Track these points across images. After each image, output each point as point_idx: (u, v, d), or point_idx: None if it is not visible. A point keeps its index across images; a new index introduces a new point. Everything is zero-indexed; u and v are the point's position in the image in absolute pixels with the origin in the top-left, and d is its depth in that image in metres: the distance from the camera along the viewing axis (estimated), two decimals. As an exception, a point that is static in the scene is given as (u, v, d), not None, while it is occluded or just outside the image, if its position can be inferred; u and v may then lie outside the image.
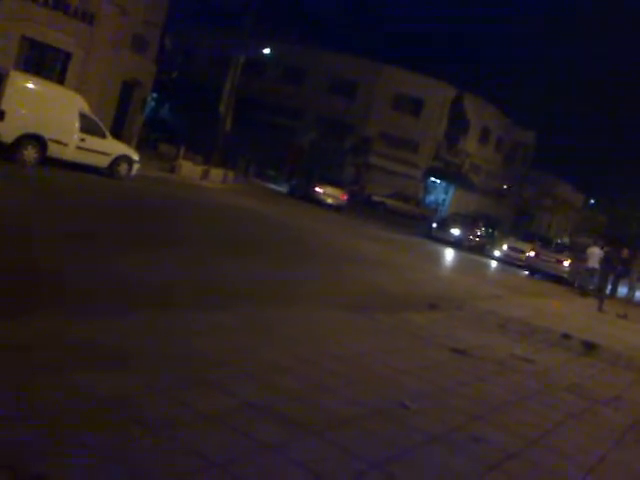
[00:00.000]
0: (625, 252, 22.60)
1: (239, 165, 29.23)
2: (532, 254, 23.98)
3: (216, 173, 24.19)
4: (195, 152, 25.34)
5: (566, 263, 23.13)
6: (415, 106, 47.45)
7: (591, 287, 20.77)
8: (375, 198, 41.65)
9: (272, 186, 32.66)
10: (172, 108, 44.14)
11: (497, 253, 26.14)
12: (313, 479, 3.23)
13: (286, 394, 4.29)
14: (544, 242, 26.54)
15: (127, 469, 2.89)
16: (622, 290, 22.26)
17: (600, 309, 15.59)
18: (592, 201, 71.53)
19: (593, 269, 20.77)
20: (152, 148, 27.98)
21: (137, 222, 11.06)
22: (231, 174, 25.68)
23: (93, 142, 14.50)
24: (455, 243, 26.63)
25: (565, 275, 22.84)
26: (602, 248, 22.00)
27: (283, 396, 4.24)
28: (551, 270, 23.12)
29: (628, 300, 21.66)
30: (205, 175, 23.28)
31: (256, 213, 18.32)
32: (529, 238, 27.28)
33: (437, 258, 21.32)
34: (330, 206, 28.10)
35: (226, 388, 4.10)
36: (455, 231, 27.49)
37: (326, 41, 46.71)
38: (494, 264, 24.52)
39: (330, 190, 28.74)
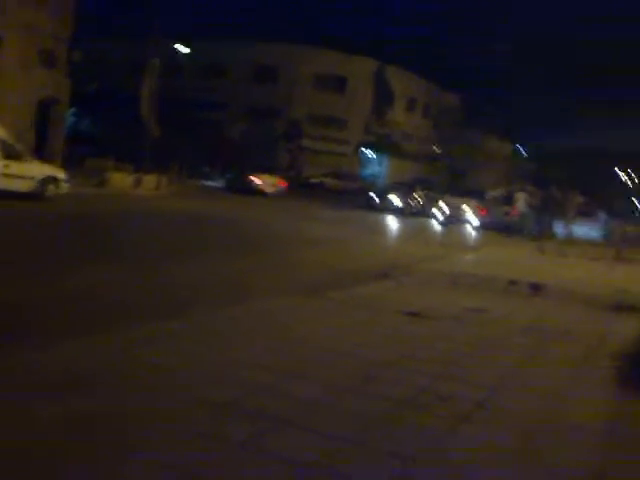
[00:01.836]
0: (555, 192, 23.46)
1: (171, 168, 28.80)
2: (473, 210, 24.70)
3: (149, 180, 23.78)
4: (125, 162, 24.82)
5: (513, 212, 23.88)
6: (339, 84, 47.68)
7: (526, 231, 21.58)
8: (313, 180, 41.79)
9: (208, 183, 32.34)
10: (95, 121, 42.96)
11: (437, 214, 26.72)
12: (293, 467, 3.29)
13: (254, 386, 4.32)
14: (479, 196, 27.28)
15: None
16: (559, 229, 23.15)
17: (541, 250, 16.19)
18: (520, 149, 73.58)
19: (523, 213, 21.64)
20: (79, 164, 27.23)
21: (70, 243, 10.81)
22: (164, 178, 25.29)
23: (17, 167, 14.06)
24: (396, 211, 27.08)
25: (513, 224, 23.58)
26: (530, 193, 22.79)
27: (252, 389, 4.27)
28: (499, 221, 23.86)
29: (566, 238, 22.52)
30: (137, 184, 22.86)
31: (194, 213, 18.15)
32: (465, 195, 27.99)
33: (381, 228, 21.64)
34: (270, 194, 28.07)
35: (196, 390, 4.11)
36: (395, 200, 27.94)
37: (241, 30, 46.34)
38: (436, 225, 25.05)
39: (267, 178, 28.72)
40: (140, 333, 5.30)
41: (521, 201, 23.39)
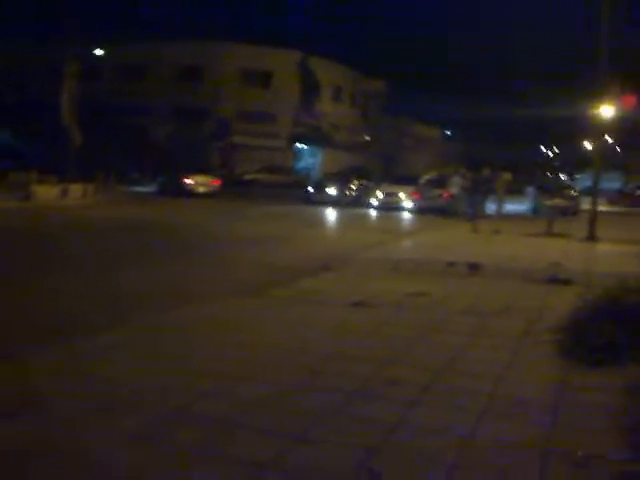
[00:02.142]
0: (485, 172, 24.10)
1: (98, 176, 27.98)
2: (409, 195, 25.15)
3: (75, 190, 23.06)
4: (49, 173, 23.92)
5: (447, 195, 24.42)
6: (265, 78, 47.44)
7: (460, 212, 22.15)
8: (247, 177, 41.48)
9: (138, 189, 31.61)
10: (15, 133, 41.21)
11: (374, 202, 26.96)
12: (246, 468, 3.23)
13: (200, 392, 4.22)
14: (415, 182, 27.70)
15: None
16: (491, 207, 23.79)
17: (475, 230, 16.58)
18: (448, 132, 75.27)
19: (458, 195, 22.21)
20: (1, 179, 26.08)
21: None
22: (91, 187, 24.55)
23: None
24: (333, 202, 27.17)
25: (447, 206, 24.09)
26: (462, 175, 23.43)
27: (192, 397, 4.17)
28: (434, 204, 24.33)
29: (498, 216, 23.17)
30: (63, 194, 22.13)
31: (126, 220, 17.69)
32: (401, 182, 28.35)
33: (319, 221, 21.67)
34: (204, 195, 27.68)
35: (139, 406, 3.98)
36: (331, 191, 28.03)
37: (160, 30, 45.43)
38: (374, 213, 25.29)
39: (200, 179, 28.34)
40: (80, 346, 5.12)
41: (455, 184, 23.99)
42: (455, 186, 24.17)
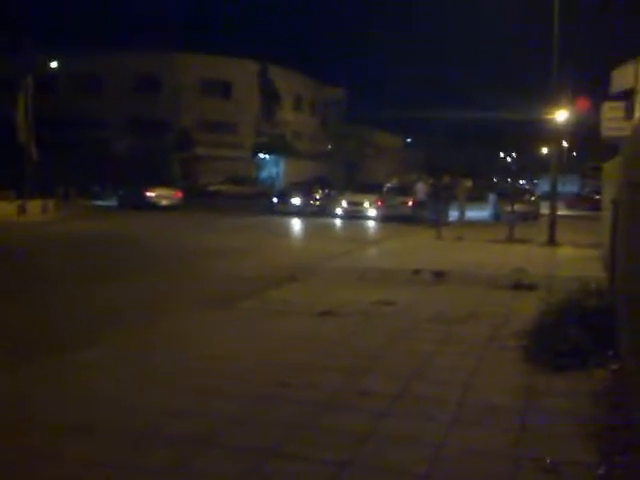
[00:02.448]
0: (446, 179, 24.44)
1: (57, 191, 27.42)
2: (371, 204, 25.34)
3: (34, 206, 22.57)
4: (6, 189, 23.35)
5: (410, 203, 24.64)
6: (224, 88, 47.27)
7: (424, 219, 22.42)
8: (210, 188, 41.16)
9: (99, 203, 31.11)
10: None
11: (339, 211, 27.02)
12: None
13: (169, 410, 4.14)
14: (379, 190, 27.89)
15: None
16: (453, 214, 24.10)
17: (439, 237, 16.75)
18: (408, 140, 76.09)
19: (422, 202, 22.46)
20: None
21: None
22: (52, 202, 24.06)
23: None
24: (298, 212, 27.14)
25: (411, 214, 24.28)
26: (424, 182, 23.77)
27: (161, 414, 4.09)
28: (398, 212, 24.51)
29: (460, 223, 23.50)
30: (22, 211, 21.63)
31: (87, 235, 17.37)
32: (365, 190, 28.49)
33: (284, 231, 21.62)
34: (166, 208, 27.37)
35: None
36: (295, 201, 28.00)
37: (118, 41, 44.89)
38: (339, 222, 25.35)
39: (162, 191, 28.01)
40: (49, 366, 5.04)
41: (419, 191, 24.29)
42: (419, 193, 24.47)
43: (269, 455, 3.52)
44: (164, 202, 27.58)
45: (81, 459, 3.44)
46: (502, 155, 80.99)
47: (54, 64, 32.03)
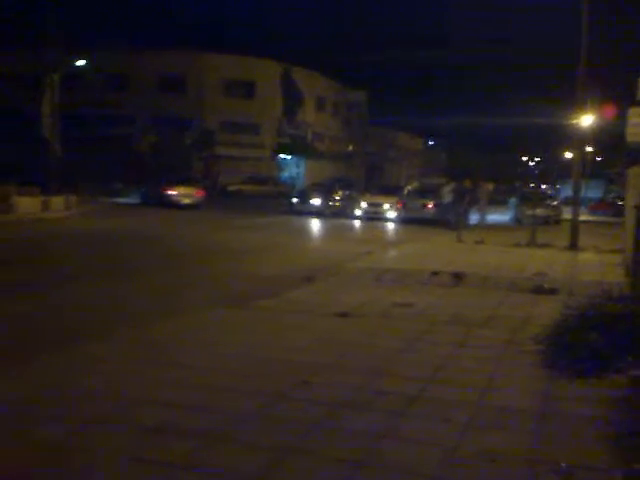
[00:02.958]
0: (467, 183, 24.35)
1: (81, 187, 27.74)
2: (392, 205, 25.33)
3: (57, 202, 22.83)
4: (31, 184, 23.67)
5: (430, 205, 24.54)
6: (247, 88, 47.49)
7: (444, 222, 22.37)
8: (231, 188, 41.41)
9: (122, 200, 31.41)
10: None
11: (358, 212, 27.01)
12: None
13: (183, 406, 4.19)
14: (399, 192, 27.86)
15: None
16: (474, 218, 23.97)
17: (459, 240, 16.67)
18: (431, 142, 75.80)
19: (442, 205, 22.45)
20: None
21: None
22: (74, 199, 24.34)
23: None
24: (317, 213, 27.17)
25: (431, 216, 24.20)
26: (449, 184, 23.73)
27: (183, 410, 4.14)
28: (418, 215, 24.42)
29: (481, 226, 23.38)
30: (45, 207, 21.90)
31: (109, 232, 17.57)
32: (386, 191, 28.48)
33: (303, 231, 21.67)
34: (187, 206, 27.55)
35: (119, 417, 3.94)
36: (315, 201, 28.02)
37: (143, 40, 45.28)
38: (358, 224, 25.34)
39: (183, 190, 28.18)
40: (67, 356, 5.11)
41: (447, 193, 24.31)
42: (448, 195, 24.40)
43: (286, 452, 3.54)
44: (185, 200, 27.74)
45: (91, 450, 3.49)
46: (525, 159, 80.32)
47: (81, 62, 32.40)
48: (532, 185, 47.52)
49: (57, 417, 3.93)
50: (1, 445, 3.56)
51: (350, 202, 29.06)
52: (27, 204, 21.19)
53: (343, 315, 7.07)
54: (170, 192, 27.54)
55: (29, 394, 4.32)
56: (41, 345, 5.74)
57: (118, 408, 4.11)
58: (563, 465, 3.41)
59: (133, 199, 30.75)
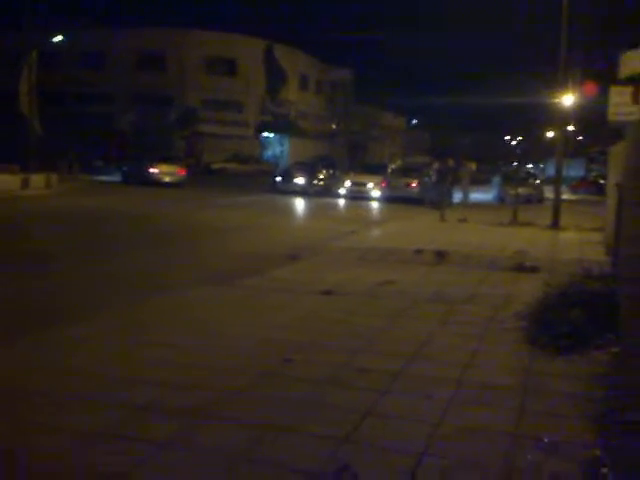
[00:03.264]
0: (450, 162, 24.44)
1: (61, 165, 27.38)
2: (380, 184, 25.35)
3: (37, 179, 22.55)
4: (9, 162, 23.31)
5: (414, 184, 24.58)
6: (229, 66, 47.01)
7: (426, 201, 22.50)
8: (214, 166, 41.15)
9: (103, 178, 31.09)
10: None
11: (342, 191, 26.99)
12: (222, 457, 3.21)
13: (168, 386, 4.18)
14: (383, 171, 27.85)
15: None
16: (457, 197, 24.06)
17: (442, 218, 16.74)
18: (414, 121, 75.67)
19: (424, 184, 22.62)
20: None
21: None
22: (55, 176, 24.03)
23: None
24: (301, 192, 27.10)
25: (415, 195, 24.27)
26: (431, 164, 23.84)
27: (168, 388, 4.13)
28: (402, 194, 24.45)
29: (464, 205, 23.47)
30: (25, 184, 21.61)
31: (92, 210, 17.39)
32: (370, 171, 28.46)
33: (287, 210, 21.62)
34: (169, 184, 27.33)
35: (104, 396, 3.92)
36: (298, 180, 27.93)
37: (122, 17, 44.57)
38: (342, 202, 25.33)
39: (166, 168, 27.93)
40: (50, 337, 5.07)
41: (433, 171, 24.54)
42: (433, 174, 24.60)
43: (270, 428, 3.55)
44: (167, 179, 27.52)
45: (79, 431, 3.48)
46: (508, 139, 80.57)
47: (58, 38, 31.80)
48: (515, 164, 47.75)
49: (41, 394, 3.90)
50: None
51: (334, 181, 29.02)
52: (6, 182, 20.89)
53: (327, 293, 7.08)
54: (152, 170, 27.28)
55: (13, 373, 4.28)
56: (24, 326, 5.68)
57: (103, 387, 4.09)
58: (545, 440, 3.45)
59: (114, 177, 30.44)
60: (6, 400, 3.85)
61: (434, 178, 24.43)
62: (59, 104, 36.48)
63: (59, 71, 40.62)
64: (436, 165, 25.96)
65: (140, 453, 3.22)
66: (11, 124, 27.57)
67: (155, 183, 26.76)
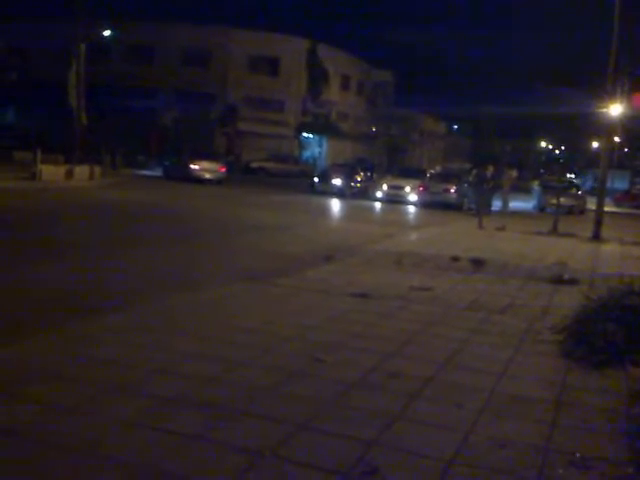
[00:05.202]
0: (490, 169, 24.13)
1: (104, 158, 27.96)
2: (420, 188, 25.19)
3: (81, 171, 23.04)
4: (55, 153, 23.90)
5: (452, 190, 24.40)
6: (272, 65, 47.25)
7: (465, 207, 22.30)
8: (253, 164, 41.46)
9: (144, 172, 31.62)
10: (18, 112, 41.17)
11: (379, 194, 26.91)
12: (247, 455, 3.25)
13: (199, 377, 4.23)
14: (421, 175, 27.70)
15: None
16: (497, 204, 23.74)
17: (480, 226, 16.56)
18: (455, 127, 74.99)
19: (462, 190, 22.45)
20: (5, 157, 26.13)
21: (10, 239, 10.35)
22: (98, 169, 24.54)
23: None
24: (338, 193, 27.13)
25: (453, 201, 24.11)
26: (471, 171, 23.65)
27: (198, 382, 4.18)
28: (440, 199, 24.29)
29: (504, 212, 23.16)
30: (69, 175, 22.12)
31: (133, 203, 17.70)
32: (407, 174, 28.33)
33: (324, 211, 21.66)
34: (209, 181, 27.64)
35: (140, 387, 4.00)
36: (336, 182, 27.96)
37: (168, 13, 45.26)
38: (378, 206, 25.26)
39: (206, 165, 28.26)
40: (86, 326, 5.18)
41: (472, 178, 24.39)
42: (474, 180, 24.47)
43: (299, 428, 3.57)
44: (208, 175, 27.83)
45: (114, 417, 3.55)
46: (551, 147, 79.16)
47: (107, 32, 32.48)
48: (558, 174, 46.92)
49: (72, 380, 4.00)
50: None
51: (371, 184, 28.95)
52: (51, 172, 21.41)
53: (361, 296, 7.07)
54: (193, 166, 27.62)
55: (46, 361, 4.40)
56: (60, 314, 5.83)
57: (134, 377, 4.16)
58: (577, 455, 3.40)
59: (156, 172, 30.91)
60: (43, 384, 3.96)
61: (473, 184, 24.20)
62: (106, 97, 37.21)
63: (108, 65, 41.45)
64: (475, 171, 25.71)
65: (166, 444, 3.28)
66: (58, 116, 28.27)
67: (195, 179, 27.10)
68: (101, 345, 4.77)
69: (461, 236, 14.59)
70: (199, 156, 28.72)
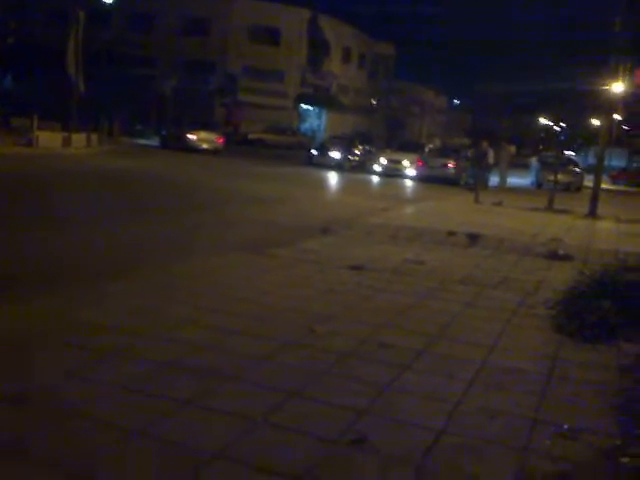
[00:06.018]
0: (485, 145, 24.00)
1: (102, 125, 27.73)
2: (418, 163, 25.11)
3: (78, 138, 22.90)
4: (52, 120, 23.71)
5: (451, 165, 24.32)
6: (273, 35, 46.64)
7: (462, 182, 22.31)
8: (251, 135, 41.18)
9: (142, 141, 31.42)
10: (15, 77, 40.67)
11: (377, 168, 26.81)
12: (240, 421, 3.28)
13: (194, 344, 4.26)
14: (419, 149, 27.58)
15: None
16: (494, 179, 23.71)
17: (477, 201, 16.54)
18: (456, 102, 74.46)
19: (459, 166, 22.52)
20: (4, 124, 25.91)
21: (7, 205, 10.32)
22: (95, 136, 24.38)
23: None
24: (336, 166, 27.02)
25: (451, 176, 24.05)
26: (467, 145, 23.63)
27: (187, 349, 4.21)
28: (438, 174, 24.22)
29: (501, 188, 23.14)
30: (67, 142, 21.98)
31: (129, 172, 17.62)
32: (406, 149, 28.19)
33: (321, 184, 21.59)
34: (207, 151, 27.50)
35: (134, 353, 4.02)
36: (334, 154, 27.83)
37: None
38: (377, 179, 25.18)
39: (204, 135, 28.09)
40: (86, 293, 5.22)
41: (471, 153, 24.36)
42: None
43: (291, 395, 3.60)
44: (205, 146, 27.68)
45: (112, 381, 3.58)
46: (550, 123, 78.72)
47: (106, -1, 31.95)
48: (556, 150, 46.72)
49: (70, 346, 4.02)
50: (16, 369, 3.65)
51: (369, 157, 28.83)
52: (48, 139, 21.26)
53: (355, 268, 7.08)
54: (190, 136, 27.46)
55: (43, 326, 4.42)
56: (58, 281, 5.84)
57: (130, 342, 4.19)
58: (565, 426, 3.44)
59: (153, 141, 30.72)
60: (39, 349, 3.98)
61: (471, 160, 24.15)
62: (104, 65, 36.76)
63: (106, 32, 40.86)
64: (474, 147, 25.67)
65: (157, 409, 3.31)
66: (57, 82, 27.94)
67: (192, 149, 26.95)
68: (98, 311, 4.79)
69: (457, 211, 14.58)
70: (197, 126, 28.52)
